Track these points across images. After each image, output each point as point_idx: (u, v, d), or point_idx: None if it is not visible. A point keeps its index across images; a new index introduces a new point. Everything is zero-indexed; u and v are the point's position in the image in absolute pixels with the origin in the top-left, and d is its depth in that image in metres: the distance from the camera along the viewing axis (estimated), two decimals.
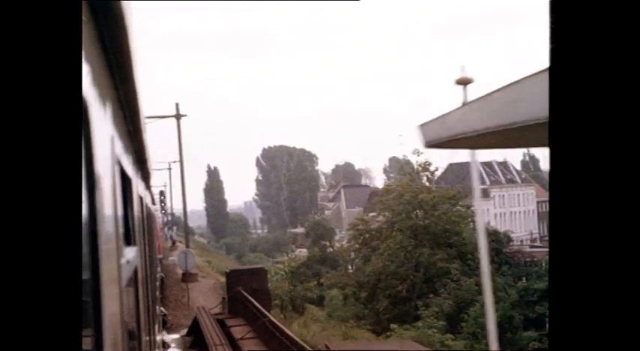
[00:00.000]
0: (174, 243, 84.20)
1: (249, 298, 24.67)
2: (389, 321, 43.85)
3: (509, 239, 58.02)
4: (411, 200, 45.28)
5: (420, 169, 47.77)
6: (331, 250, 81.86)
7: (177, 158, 52.46)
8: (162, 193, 79.60)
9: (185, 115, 48.73)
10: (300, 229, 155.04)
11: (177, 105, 48.55)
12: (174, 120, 47.66)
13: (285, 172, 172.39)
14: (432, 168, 48.48)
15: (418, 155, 47.60)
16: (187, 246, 45.95)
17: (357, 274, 45.52)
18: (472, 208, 47.99)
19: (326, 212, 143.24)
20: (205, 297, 40.41)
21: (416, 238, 45.40)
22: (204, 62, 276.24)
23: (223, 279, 56.99)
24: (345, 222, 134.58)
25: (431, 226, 44.73)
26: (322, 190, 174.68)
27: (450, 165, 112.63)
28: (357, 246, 47.42)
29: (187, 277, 39.26)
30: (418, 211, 45.38)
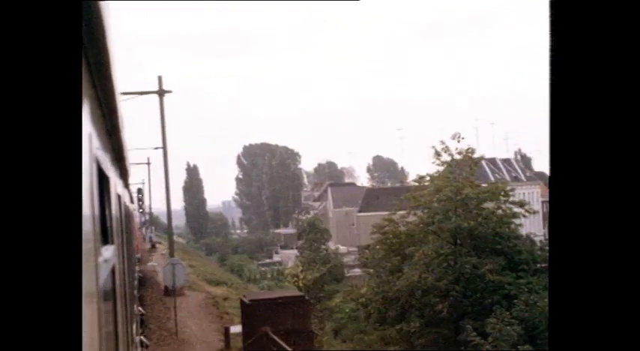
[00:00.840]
0: (153, 245, 73.81)
1: (284, 346, 14.58)
2: (423, 346, 34.05)
3: (532, 242, 48.18)
4: (453, 196, 35.31)
5: (461, 157, 37.64)
6: (325, 252, 71.64)
7: (153, 148, 42.85)
8: (140, 191, 70.77)
9: (170, 92, 38.55)
10: (283, 230, 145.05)
11: (159, 78, 38.36)
12: (153, 112, 37.59)
13: (268, 170, 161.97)
14: (475, 156, 38.35)
15: (459, 140, 37.54)
16: (172, 253, 35.58)
17: (384, 287, 35.44)
18: (527, 207, 38.24)
19: (311, 212, 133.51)
20: (197, 321, 30.23)
21: (456, 244, 35.46)
22: (184, 60, 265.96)
23: (214, 290, 47.14)
24: (332, 222, 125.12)
25: (477, 228, 34.78)
26: (305, 189, 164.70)
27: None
28: (382, 253, 37.18)
29: (172, 290, 29.02)
30: (460, 209, 35.33)
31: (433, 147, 37.64)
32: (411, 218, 37.42)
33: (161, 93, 38.13)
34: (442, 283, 34.15)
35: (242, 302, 19.75)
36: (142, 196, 73.74)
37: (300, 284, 42.52)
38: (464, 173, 37.45)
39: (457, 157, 37.58)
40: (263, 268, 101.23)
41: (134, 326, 8.86)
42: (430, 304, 34.10)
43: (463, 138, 37.53)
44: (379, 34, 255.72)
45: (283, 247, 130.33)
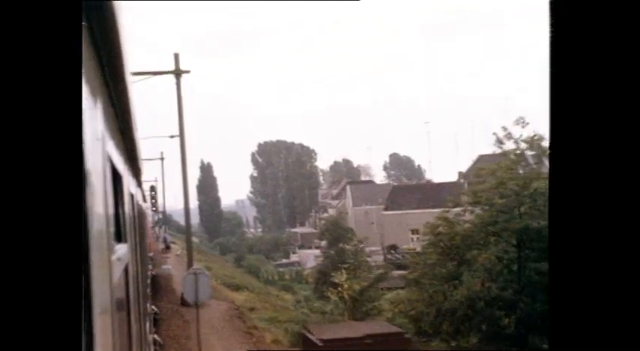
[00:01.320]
0: (168, 246, 68.48)
1: None
2: None
3: None
4: (519, 191, 29.83)
5: (527, 146, 32.13)
6: (350, 253, 66.52)
7: (168, 136, 37.94)
8: (152, 189, 66.15)
9: (187, 72, 33.22)
10: (300, 229, 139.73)
11: (176, 57, 32.99)
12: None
13: (284, 168, 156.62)
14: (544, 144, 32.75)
15: (523, 126, 32.04)
16: (190, 260, 30.24)
17: (438, 297, 30.04)
18: None
19: (329, 211, 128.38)
20: (224, 340, 24.87)
21: (521, 247, 29.97)
22: (188, 58, 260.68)
23: (236, 296, 41.87)
24: (351, 221, 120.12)
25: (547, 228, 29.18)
26: (322, 187, 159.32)
27: (481, 156, 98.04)
28: (435, 257, 31.70)
29: (194, 304, 23.46)
30: (527, 206, 29.83)
31: (494, 134, 32.17)
32: (468, 216, 31.92)
33: (178, 73, 32.88)
34: (508, 293, 28.68)
35: (307, 341, 13.71)
36: (155, 193, 68.90)
37: (345, 295, 36.93)
38: (527, 164, 31.96)
39: (522, 145, 32.06)
40: (281, 269, 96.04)
41: (147, 325, 8.50)
42: (494, 317, 28.65)
43: (527, 123, 32.03)
44: (389, 33, 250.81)
45: (301, 247, 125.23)
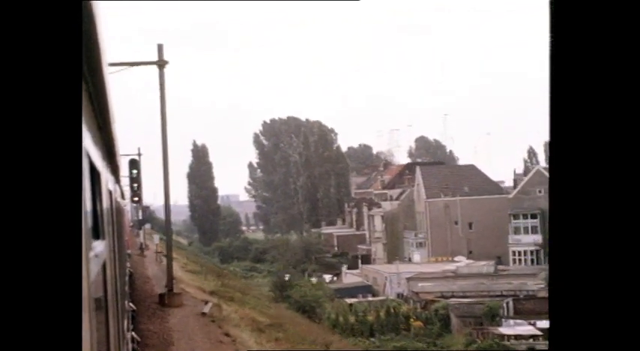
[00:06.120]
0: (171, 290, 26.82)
1: None
2: None
3: None
4: None
5: None
6: None
7: None
8: (133, 164, 34.54)
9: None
10: (335, 229, 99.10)
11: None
12: None
13: (303, 150, 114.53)
14: None
15: None
16: None
17: None
18: None
19: (382, 205, 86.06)
20: None
21: None
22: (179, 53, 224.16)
23: None
24: (422, 219, 78.12)
25: None
26: (353, 174, 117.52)
27: None
28: None
29: None
30: None
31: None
32: None
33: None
34: None
35: None
36: (138, 173, 34.98)
37: None
38: None
39: None
40: (349, 301, 54.11)
41: (125, 322, 8.58)
42: None
43: None
44: (380, 32, 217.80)
45: (337, 255, 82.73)
